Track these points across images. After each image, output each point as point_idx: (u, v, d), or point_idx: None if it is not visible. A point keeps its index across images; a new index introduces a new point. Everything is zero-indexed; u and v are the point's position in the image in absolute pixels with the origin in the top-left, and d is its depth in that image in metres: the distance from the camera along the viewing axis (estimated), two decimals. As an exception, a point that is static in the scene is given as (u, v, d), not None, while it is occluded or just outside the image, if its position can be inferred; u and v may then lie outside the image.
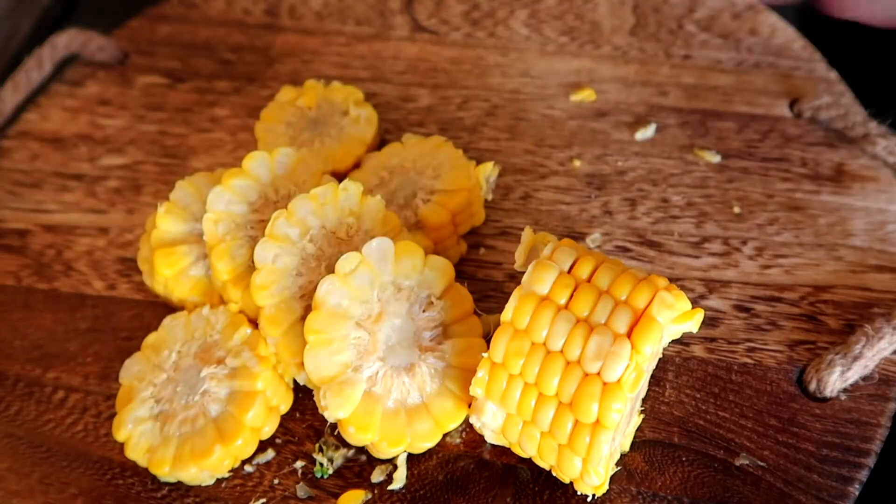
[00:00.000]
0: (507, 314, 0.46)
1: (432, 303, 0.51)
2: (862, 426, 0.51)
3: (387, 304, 0.50)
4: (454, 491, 0.50)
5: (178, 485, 0.52)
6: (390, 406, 0.49)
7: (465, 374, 0.49)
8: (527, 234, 0.50)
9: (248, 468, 0.52)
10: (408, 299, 0.50)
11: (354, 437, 0.48)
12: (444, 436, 0.51)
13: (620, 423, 0.45)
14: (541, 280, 0.46)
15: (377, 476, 0.51)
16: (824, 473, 0.49)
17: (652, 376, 0.53)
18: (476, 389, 0.47)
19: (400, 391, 0.49)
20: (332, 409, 0.48)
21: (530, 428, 0.46)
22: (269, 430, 0.52)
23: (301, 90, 0.66)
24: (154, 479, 0.52)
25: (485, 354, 0.47)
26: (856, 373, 0.52)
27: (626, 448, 0.51)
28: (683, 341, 0.55)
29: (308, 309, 0.50)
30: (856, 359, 0.51)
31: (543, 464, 0.48)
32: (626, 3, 0.73)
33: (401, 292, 0.50)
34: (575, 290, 0.45)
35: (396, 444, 0.49)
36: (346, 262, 0.49)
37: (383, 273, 0.50)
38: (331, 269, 0.50)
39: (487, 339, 0.49)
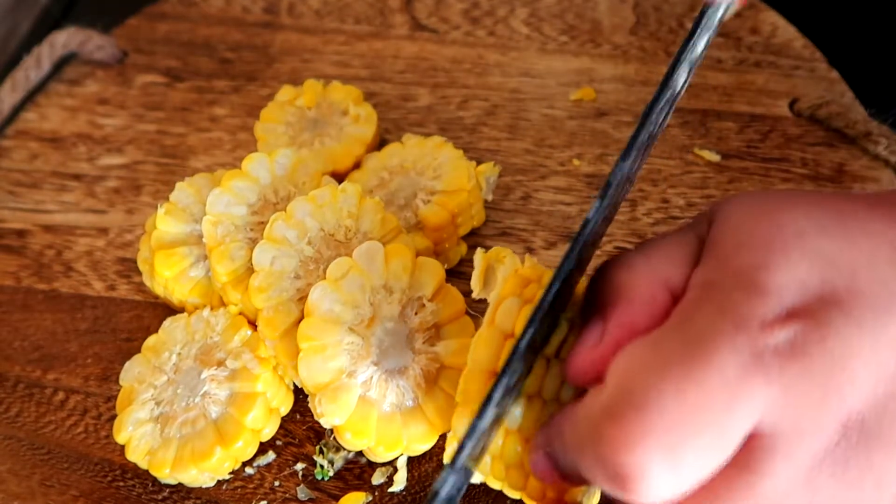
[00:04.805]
0: (470, 357, 0.44)
1: (424, 304, 0.50)
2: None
3: (378, 307, 0.49)
4: (454, 493, 0.50)
5: (179, 487, 0.52)
6: (386, 410, 0.49)
7: (459, 375, 0.49)
8: (478, 258, 0.46)
9: (249, 470, 0.52)
10: (399, 302, 0.50)
11: (351, 442, 0.48)
12: (442, 437, 0.51)
13: None
14: (503, 315, 0.43)
15: (378, 478, 0.51)
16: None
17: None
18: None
19: (395, 394, 0.49)
20: (328, 415, 0.47)
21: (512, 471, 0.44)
22: (269, 431, 0.52)
23: (300, 90, 0.65)
24: (155, 480, 0.52)
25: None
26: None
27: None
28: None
29: (307, 311, 0.50)
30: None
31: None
32: (626, 2, 0.73)
33: (392, 295, 0.50)
34: None
35: (392, 447, 0.49)
36: (337, 267, 0.49)
37: (374, 276, 0.50)
38: (329, 272, 0.50)
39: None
